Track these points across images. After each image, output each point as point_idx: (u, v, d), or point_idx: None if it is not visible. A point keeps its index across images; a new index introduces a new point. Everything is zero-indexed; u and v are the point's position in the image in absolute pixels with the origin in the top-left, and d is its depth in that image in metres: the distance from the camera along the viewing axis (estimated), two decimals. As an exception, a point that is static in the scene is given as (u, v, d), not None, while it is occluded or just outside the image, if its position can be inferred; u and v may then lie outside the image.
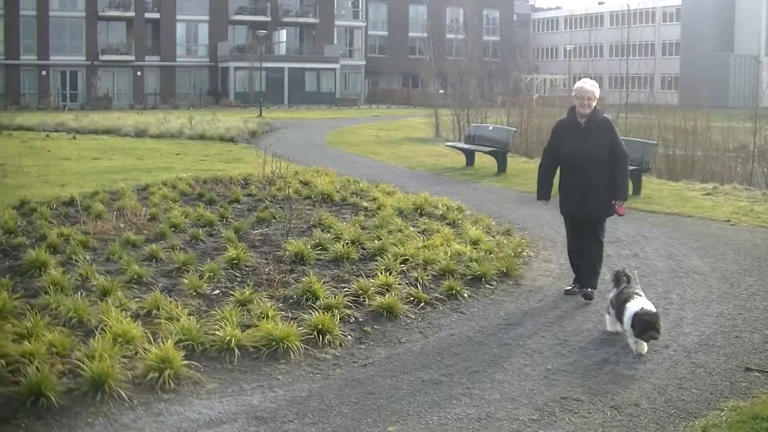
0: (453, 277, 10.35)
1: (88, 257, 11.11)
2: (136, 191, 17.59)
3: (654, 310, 7.95)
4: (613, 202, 9.84)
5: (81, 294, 9.10)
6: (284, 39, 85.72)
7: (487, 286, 10.39)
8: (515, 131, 27.10)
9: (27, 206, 15.25)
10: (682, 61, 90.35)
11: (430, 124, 40.24)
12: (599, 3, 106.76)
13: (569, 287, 10.27)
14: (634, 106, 41.97)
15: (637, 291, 8.38)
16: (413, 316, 9.11)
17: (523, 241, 12.88)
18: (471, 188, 20.34)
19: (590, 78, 10.35)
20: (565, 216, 10.44)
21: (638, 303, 8.02)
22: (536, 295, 10.14)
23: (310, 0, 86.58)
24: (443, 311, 9.41)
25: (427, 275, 10.39)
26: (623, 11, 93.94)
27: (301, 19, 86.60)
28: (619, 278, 8.61)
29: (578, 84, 10.01)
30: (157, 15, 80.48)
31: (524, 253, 12.16)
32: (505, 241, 12.73)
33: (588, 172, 9.84)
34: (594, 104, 9.82)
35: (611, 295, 8.64)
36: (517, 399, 6.87)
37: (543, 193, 10.53)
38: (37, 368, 6.72)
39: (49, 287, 9.29)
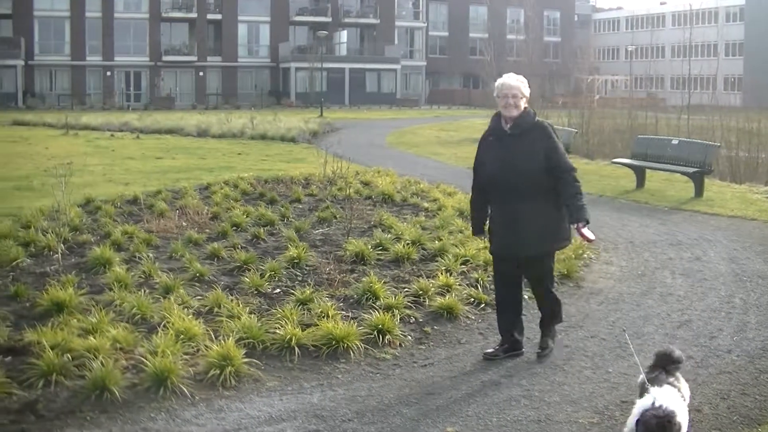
0: (513, 278, 10.30)
1: (151, 255, 11.26)
2: (199, 190, 17.77)
3: (672, 409, 5.33)
4: (575, 226, 7.59)
5: (144, 291, 9.25)
6: (345, 40, 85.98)
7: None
8: (576, 132, 26.95)
9: (92, 204, 15.49)
10: (746, 61, 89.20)
11: (492, 124, 40.06)
12: (661, 3, 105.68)
13: (490, 350, 7.99)
14: (696, 107, 41.58)
15: (671, 381, 5.83)
16: (473, 317, 9.10)
17: (583, 242, 12.77)
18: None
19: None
20: (492, 255, 8.20)
21: (660, 395, 5.46)
22: (597, 298, 10.07)
23: (371, 1, 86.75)
24: (503, 312, 9.37)
25: (488, 276, 10.34)
26: (685, 11, 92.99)
27: (362, 20, 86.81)
28: (664, 360, 6.00)
29: (500, 80, 7.79)
30: (218, 16, 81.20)
31: (585, 255, 12.04)
32: (565, 243, 12.64)
33: (516, 195, 7.57)
34: (523, 105, 7.66)
35: (640, 379, 6.03)
36: (577, 402, 6.84)
37: (476, 227, 8.25)
38: (101, 363, 6.85)
39: (114, 284, 9.44)
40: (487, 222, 8.05)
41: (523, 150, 7.57)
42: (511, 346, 7.91)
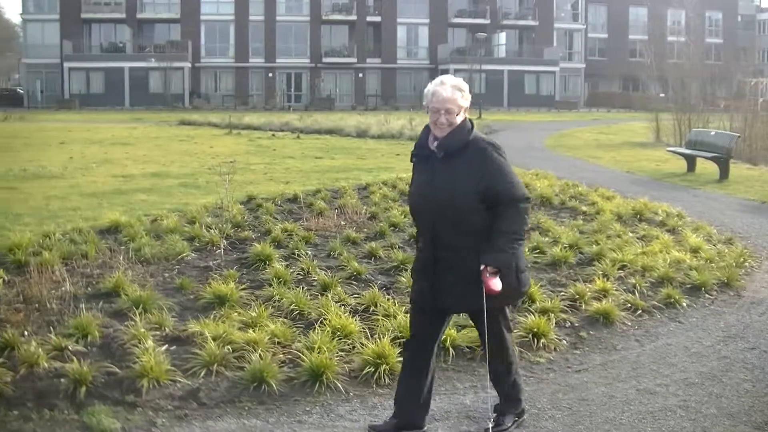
0: (671, 285, 10.10)
1: (309, 252, 11.49)
2: (357, 190, 18.01)
3: None
4: (482, 266, 5.65)
5: (302, 288, 9.46)
6: (503, 42, 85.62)
7: (707, 295, 10.06)
8: (738, 137, 26.17)
9: (253, 202, 15.89)
10: None
11: (650, 128, 39.32)
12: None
13: (377, 423, 6.33)
14: None
15: None
16: (629, 324, 8.95)
17: (745, 251, 12.42)
18: (691, 195, 19.76)
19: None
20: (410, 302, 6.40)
21: None
22: (758, 308, 9.76)
23: (530, 3, 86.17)
24: (660, 320, 9.20)
25: (645, 282, 10.19)
26: None
27: (521, 22, 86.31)
28: None
29: (430, 86, 5.88)
30: (378, 18, 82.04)
31: (746, 264, 11.69)
32: (726, 251, 12.30)
33: (440, 231, 5.80)
34: (459, 119, 5.79)
35: None
36: (735, 416, 6.64)
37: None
38: (260, 356, 7.08)
39: (273, 280, 9.70)
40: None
41: (449, 177, 5.74)
42: (401, 422, 6.16)
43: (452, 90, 5.75)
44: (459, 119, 5.77)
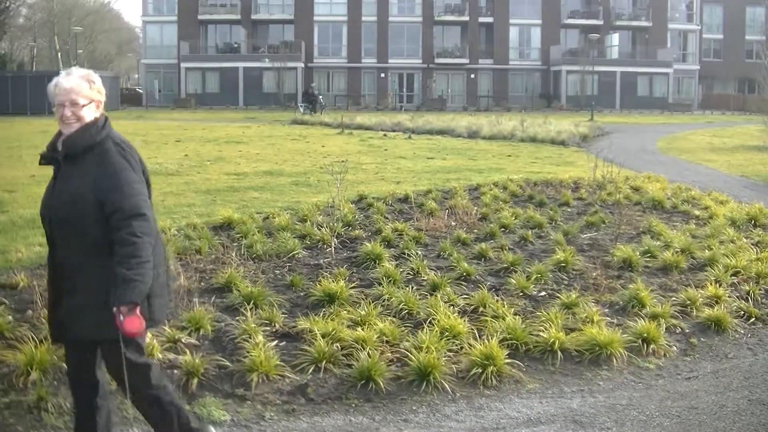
0: (787, 293, 9.88)
1: (419, 252, 11.54)
2: (468, 191, 17.99)
3: None
4: (115, 308, 4.72)
5: (412, 287, 9.50)
6: (616, 43, 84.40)
7: (825, 304, 9.81)
8: None
9: (364, 201, 16.02)
10: None
11: (766, 131, 38.38)
12: None
13: None
14: None
15: None
16: (742, 332, 8.75)
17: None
18: (811, 201, 19.25)
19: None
20: None
21: None
22: None
23: (643, 3, 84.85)
24: (775, 328, 9.00)
25: (759, 289, 9.96)
26: None
27: (634, 23, 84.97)
28: None
29: (55, 79, 5.08)
30: (490, 19, 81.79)
31: None
32: None
33: (60, 249, 5.04)
34: (89, 116, 5.02)
35: None
36: None
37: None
38: (368, 354, 7.13)
39: (383, 279, 9.77)
40: None
41: (68, 182, 4.97)
42: None
43: (79, 80, 5.01)
44: (89, 115, 5.02)
